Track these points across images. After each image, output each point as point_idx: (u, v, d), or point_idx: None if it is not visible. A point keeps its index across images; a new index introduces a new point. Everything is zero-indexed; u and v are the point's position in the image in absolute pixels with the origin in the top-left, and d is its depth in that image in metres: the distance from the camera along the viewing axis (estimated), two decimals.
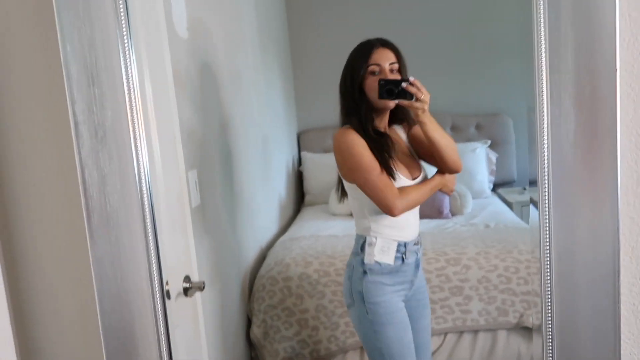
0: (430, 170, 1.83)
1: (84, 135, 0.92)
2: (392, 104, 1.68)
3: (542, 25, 0.84)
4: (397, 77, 1.70)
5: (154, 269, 0.95)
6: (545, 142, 0.86)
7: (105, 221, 0.95)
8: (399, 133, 1.87)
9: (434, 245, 2.61)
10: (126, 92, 0.90)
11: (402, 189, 1.67)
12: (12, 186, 1.05)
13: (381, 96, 1.63)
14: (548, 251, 0.91)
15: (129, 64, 0.90)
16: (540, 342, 0.93)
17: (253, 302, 2.55)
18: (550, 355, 0.89)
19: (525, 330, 2.41)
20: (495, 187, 4.16)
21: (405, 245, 1.74)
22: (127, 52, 0.90)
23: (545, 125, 0.85)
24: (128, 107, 0.91)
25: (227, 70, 2.45)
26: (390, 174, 1.65)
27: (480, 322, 2.43)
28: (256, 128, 3.00)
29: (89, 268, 0.95)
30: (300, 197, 4.26)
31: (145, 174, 0.94)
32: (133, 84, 0.91)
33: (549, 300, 0.90)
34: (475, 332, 2.47)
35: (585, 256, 0.90)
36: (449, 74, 4.09)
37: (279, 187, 3.57)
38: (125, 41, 0.90)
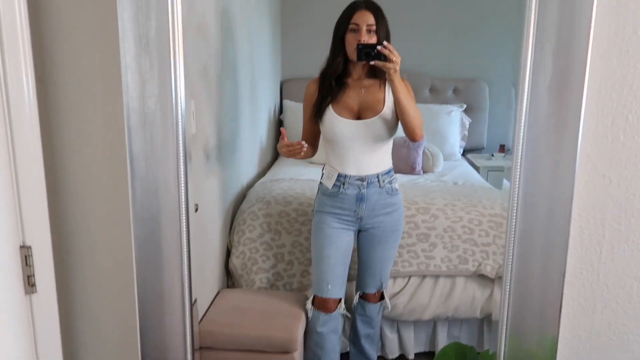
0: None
1: (129, 41, 1.03)
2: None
3: None
4: (374, 37, 1.98)
5: (182, 167, 1.09)
6: (527, 83, 1.03)
7: (142, 121, 1.08)
8: (376, 84, 2.10)
9: (406, 196, 2.78)
10: (169, 5, 1.02)
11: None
12: (57, 83, 1.16)
13: (359, 58, 1.90)
14: (519, 178, 1.09)
15: None
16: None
17: (233, 235, 2.70)
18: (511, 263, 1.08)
19: (482, 278, 2.64)
20: (464, 153, 4.37)
21: (345, 177, 2.12)
22: None
23: (528, 69, 1.02)
24: (170, 20, 1.03)
25: (224, 9, 2.53)
26: (319, 114, 2.09)
27: (442, 268, 2.64)
28: (247, 71, 3.09)
29: (125, 162, 1.09)
30: None
31: (180, 84, 1.07)
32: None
33: (515, 215, 1.09)
34: (437, 277, 2.67)
35: (547, 184, 1.08)
36: (433, 38, 4.24)
37: (261, 132, 3.69)
38: None
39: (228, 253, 2.73)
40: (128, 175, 1.11)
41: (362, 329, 2.43)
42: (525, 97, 1.04)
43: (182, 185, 1.11)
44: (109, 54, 1.10)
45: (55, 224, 1.18)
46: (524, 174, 1.08)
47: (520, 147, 1.07)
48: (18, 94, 1.02)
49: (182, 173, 1.11)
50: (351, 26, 1.99)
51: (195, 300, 1.32)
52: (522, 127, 1.05)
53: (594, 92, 1.08)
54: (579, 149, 1.07)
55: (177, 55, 1.06)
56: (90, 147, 1.19)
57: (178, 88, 1.07)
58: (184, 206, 1.12)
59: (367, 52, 1.87)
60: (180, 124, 1.08)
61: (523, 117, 1.05)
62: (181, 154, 1.10)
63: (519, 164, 1.08)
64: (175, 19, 1.03)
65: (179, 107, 1.08)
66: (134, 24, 1.03)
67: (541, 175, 1.08)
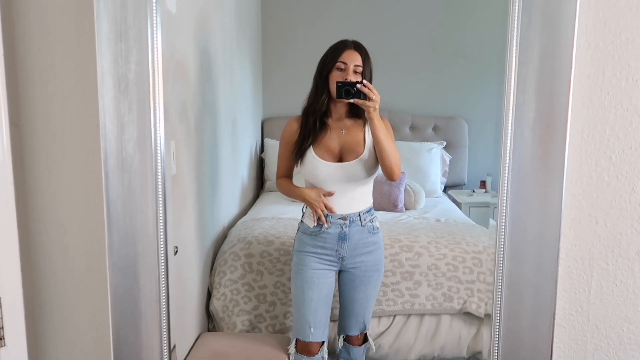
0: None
1: (108, 85, 1.01)
2: (346, 101, 1.97)
3: (515, 29, 1.01)
4: (359, 78, 1.99)
5: (161, 213, 1.05)
6: (510, 126, 1.03)
7: (120, 165, 1.05)
8: (357, 124, 2.11)
9: (389, 234, 2.77)
10: (150, 49, 1.01)
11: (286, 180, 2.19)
12: (32, 127, 1.13)
13: (339, 96, 1.91)
14: (505, 219, 1.07)
15: (154, 24, 1.00)
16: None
17: (214, 276, 2.64)
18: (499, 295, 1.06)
19: (467, 316, 2.61)
20: (446, 189, 4.38)
21: (327, 216, 2.08)
22: (154, 14, 1.00)
23: (511, 112, 1.02)
24: (150, 63, 1.01)
25: (204, 49, 2.54)
26: (300, 155, 2.07)
27: (427, 306, 2.60)
28: (227, 110, 3.09)
29: (102, 209, 1.05)
30: (259, 183, 4.36)
31: (160, 128, 1.05)
32: (157, 43, 1.01)
33: (502, 256, 1.07)
34: (422, 315, 2.63)
35: (534, 225, 1.08)
36: (413, 77, 4.32)
37: (242, 171, 3.67)
38: (154, 3, 1.00)
39: (209, 295, 2.66)
40: (105, 222, 1.07)
41: None
42: (508, 139, 1.05)
43: (161, 232, 1.07)
44: (87, 96, 1.07)
45: (27, 275, 1.12)
46: (510, 215, 1.08)
47: (505, 189, 1.07)
48: None
49: (160, 219, 1.07)
50: (338, 64, 2.00)
51: (174, 347, 1.26)
52: (507, 169, 1.05)
53: (577, 133, 1.09)
54: (564, 190, 1.07)
55: (156, 98, 1.04)
56: (66, 193, 1.15)
57: (158, 131, 1.05)
58: (162, 253, 1.08)
59: (347, 89, 1.88)
60: (159, 167, 1.06)
61: (507, 159, 1.05)
62: (160, 199, 1.07)
63: (504, 205, 1.07)
64: (156, 62, 1.02)
65: (159, 151, 1.05)
66: (113, 68, 1.01)
67: (527, 216, 1.08)
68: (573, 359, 1.19)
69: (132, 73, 1.01)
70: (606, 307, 1.17)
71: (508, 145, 1.05)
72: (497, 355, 1.12)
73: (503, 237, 1.08)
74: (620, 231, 1.14)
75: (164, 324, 1.11)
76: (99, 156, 1.05)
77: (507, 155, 1.06)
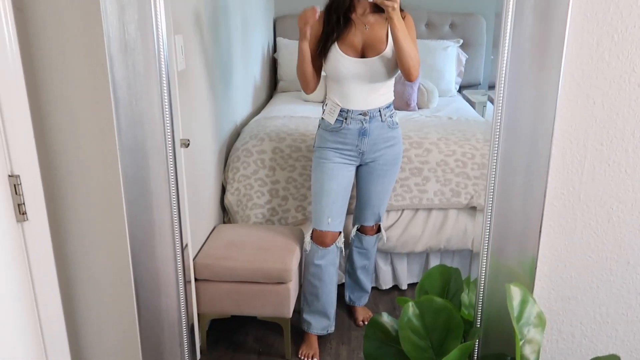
0: None
1: None
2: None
3: None
4: None
5: (165, 95, 1.09)
6: (512, 2, 1.02)
7: (123, 47, 1.07)
8: (380, 20, 2.08)
9: None
10: None
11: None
12: (36, 11, 1.14)
13: None
14: (502, 98, 1.09)
15: None
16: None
17: (228, 172, 2.73)
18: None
19: (473, 210, 2.68)
20: (460, 89, 4.32)
21: (347, 112, 2.12)
22: None
23: None
24: None
25: None
26: (324, 51, 2.07)
27: (434, 201, 2.67)
28: (238, 9, 3.03)
29: (109, 90, 1.09)
30: (273, 83, 4.34)
31: (160, 9, 1.05)
32: None
33: (497, 135, 1.10)
34: (429, 210, 2.71)
35: (530, 105, 1.09)
36: None
37: (254, 70, 3.65)
38: None
39: (223, 190, 2.76)
40: (112, 103, 1.11)
41: (358, 260, 2.50)
42: (509, 17, 1.03)
43: (167, 109, 1.11)
44: None
45: (42, 154, 1.19)
46: (507, 93, 1.09)
47: (504, 67, 1.07)
48: None
49: (165, 96, 1.10)
50: None
51: (186, 245, 1.35)
52: (506, 47, 1.05)
53: (579, 10, 1.07)
54: (562, 70, 1.07)
55: None
56: (73, 74, 1.19)
57: (158, 12, 1.06)
58: (169, 133, 1.12)
59: None
60: (162, 49, 1.07)
61: (507, 37, 1.04)
62: (164, 78, 1.09)
63: (502, 83, 1.08)
64: None
65: (160, 32, 1.07)
66: None
67: (524, 95, 1.09)
68: (562, 236, 1.24)
69: None
70: (597, 187, 1.20)
71: (509, 23, 1.04)
72: (489, 230, 1.18)
73: (500, 116, 1.10)
74: (617, 112, 1.14)
75: (174, 202, 1.18)
76: (103, 38, 1.08)
77: (507, 33, 1.05)
